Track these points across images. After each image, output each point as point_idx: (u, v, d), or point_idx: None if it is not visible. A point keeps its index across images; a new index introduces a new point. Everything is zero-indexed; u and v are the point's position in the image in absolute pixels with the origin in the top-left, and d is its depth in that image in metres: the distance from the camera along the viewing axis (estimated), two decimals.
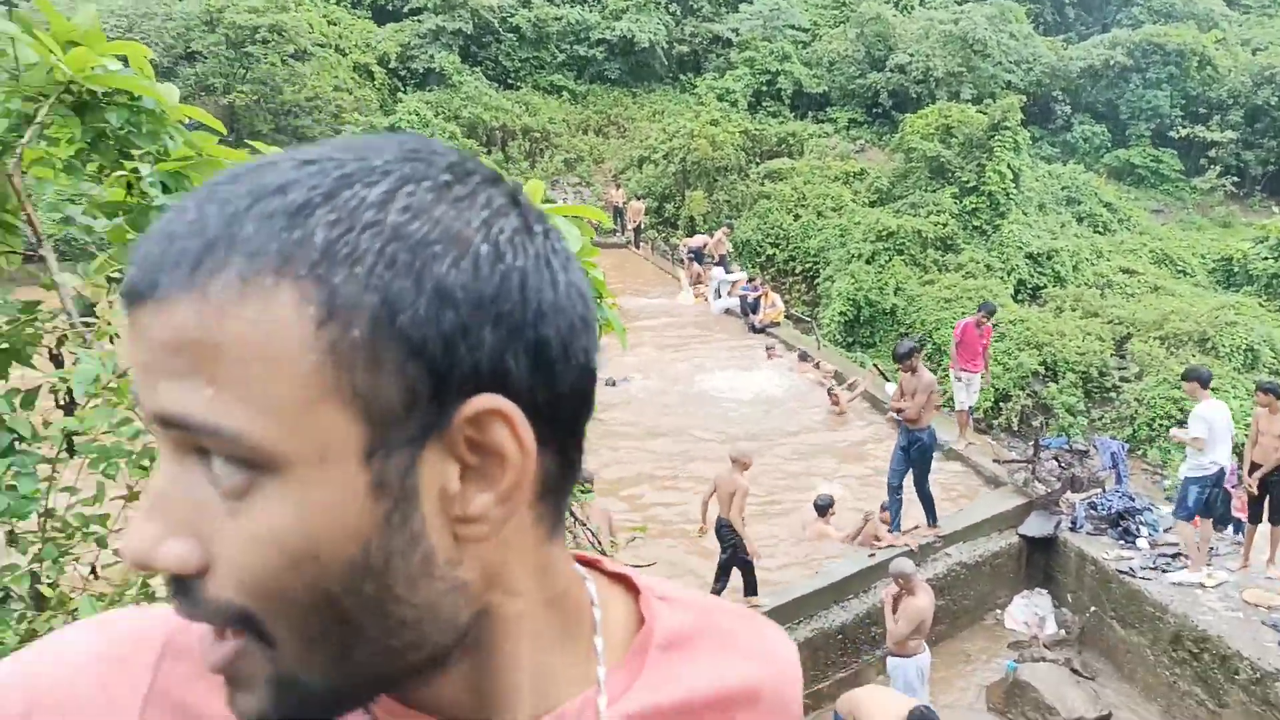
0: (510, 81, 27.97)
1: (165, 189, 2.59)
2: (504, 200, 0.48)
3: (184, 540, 0.43)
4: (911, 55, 25.89)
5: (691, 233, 22.01)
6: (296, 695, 0.46)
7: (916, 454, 7.84)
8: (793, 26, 28.77)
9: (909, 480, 7.99)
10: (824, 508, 8.43)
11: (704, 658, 0.62)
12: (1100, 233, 22.06)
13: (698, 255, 19.42)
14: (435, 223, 0.44)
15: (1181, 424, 9.44)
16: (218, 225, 0.42)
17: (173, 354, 0.42)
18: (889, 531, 8.13)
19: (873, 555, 7.81)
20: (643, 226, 22.83)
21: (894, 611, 6.55)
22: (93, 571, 2.15)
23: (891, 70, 26.22)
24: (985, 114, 20.68)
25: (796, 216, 21.94)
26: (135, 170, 2.37)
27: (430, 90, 25.72)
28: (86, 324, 2.21)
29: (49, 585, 2.08)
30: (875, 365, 14.73)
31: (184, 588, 0.44)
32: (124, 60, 2.65)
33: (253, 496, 0.43)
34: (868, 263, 18.79)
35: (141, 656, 0.55)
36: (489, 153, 25.16)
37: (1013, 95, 21.25)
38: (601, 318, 3.11)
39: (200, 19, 21.96)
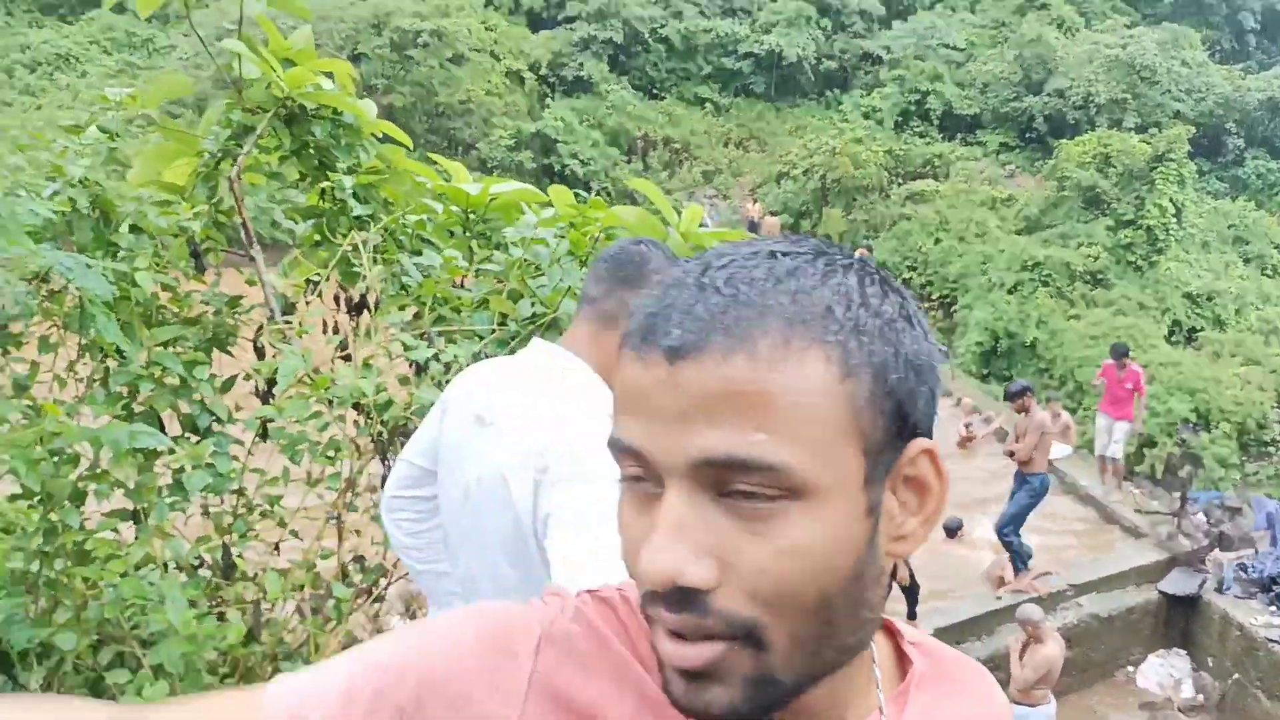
0: (655, 91, 28.32)
1: (356, 198, 2.80)
2: (883, 281, 0.60)
3: (705, 560, 0.52)
4: (1073, 79, 24.87)
5: None
6: (768, 691, 0.55)
7: (1023, 497, 7.60)
8: (947, 45, 28.08)
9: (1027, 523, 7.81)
10: (953, 530, 8.27)
11: (947, 700, 0.70)
12: (1269, 275, 20.64)
13: None
14: (889, 303, 0.57)
15: None
16: (754, 296, 0.54)
17: (721, 402, 0.52)
18: (1015, 574, 7.87)
19: (999, 598, 7.58)
20: None
21: (1020, 658, 6.35)
22: (276, 548, 2.35)
23: (1049, 94, 25.25)
24: (1149, 144, 19.67)
25: (937, 240, 21.40)
26: (336, 181, 2.57)
27: (577, 97, 26.30)
28: (287, 321, 2.42)
29: (239, 558, 2.28)
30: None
31: (692, 602, 0.53)
32: (329, 76, 2.88)
33: (776, 520, 0.53)
34: (1010, 292, 18.16)
35: (523, 645, 0.61)
36: (629, 161, 25.54)
37: (1180, 125, 20.13)
38: None
39: (369, 22, 23.13)
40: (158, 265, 2.35)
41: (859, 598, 0.56)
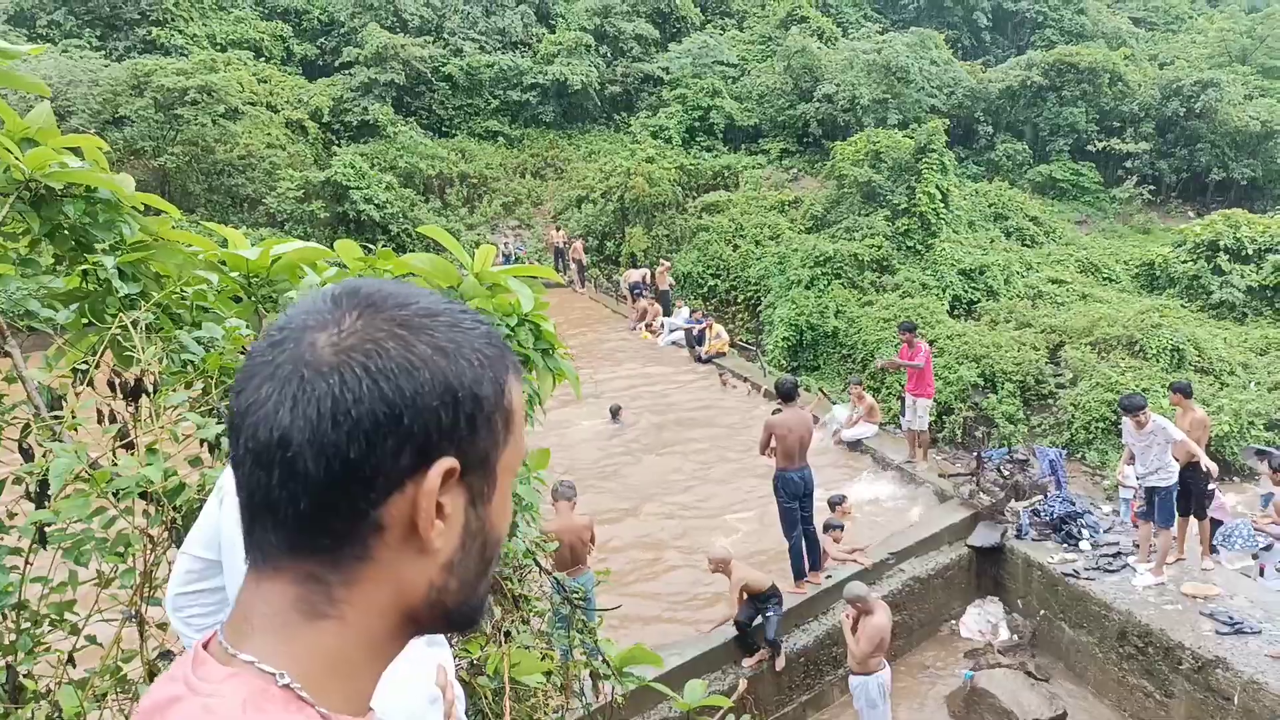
0: (445, 129, 28.17)
1: (122, 276, 2.68)
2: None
3: None
4: (838, 85, 26.65)
5: (633, 265, 22.33)
6: None
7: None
8: (721, 63, 29.48)
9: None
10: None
11: None
12: (1028, 245, 22.82)
13: (639, 290, 19.68)
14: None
15: (1117, 426, 9.74)
16: None
17: None
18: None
19: (828, 576, 7.98)
20: (585, 265, 23.06)
21: (854, 632, 6.72)
22: (70, 660, 2.21)
23: (819, 100, 26.95)
24: (911, 138, 21.37)
25: (735, 247, 22.35)
26: (96, 261, 2.46)
27: (365, 142, 25.77)
28: (55, 416, 2.28)
29: (26, 677, 2.13)
30: (821, 389, 15.03)
31: None
32: (77, 152, 2.75)
33: None
34: (807, 288, 19.20)
35: None
36: (427, 200, 25.25)
37: (936, 119, 21.98)
38: (555, 368, 3.26)
39: (127, 84, 21.80)
40: None
41: None
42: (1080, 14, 35.38)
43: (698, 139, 28.01)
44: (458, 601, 0.73)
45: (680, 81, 28.76)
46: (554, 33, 30.11)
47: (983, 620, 8.78)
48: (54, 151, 2.54)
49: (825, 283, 19.27)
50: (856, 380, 12.93)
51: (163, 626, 2.41)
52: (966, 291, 19.63)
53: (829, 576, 7.98)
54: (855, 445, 11.43)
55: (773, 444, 7.37)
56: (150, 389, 2.30)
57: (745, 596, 7.11)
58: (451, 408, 0.69)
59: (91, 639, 2.28)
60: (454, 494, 0.70)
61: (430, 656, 1.48)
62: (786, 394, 7.51)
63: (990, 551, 8.99)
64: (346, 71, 27.00)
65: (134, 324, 2.39)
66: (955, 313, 19.08)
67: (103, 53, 24.20)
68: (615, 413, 12.97)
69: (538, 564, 3.46)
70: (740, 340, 19.00)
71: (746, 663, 7.15)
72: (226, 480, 1.60)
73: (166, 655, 2.29)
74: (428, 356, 0.68)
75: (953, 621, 8.90)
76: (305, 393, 0.65)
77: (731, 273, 21.99)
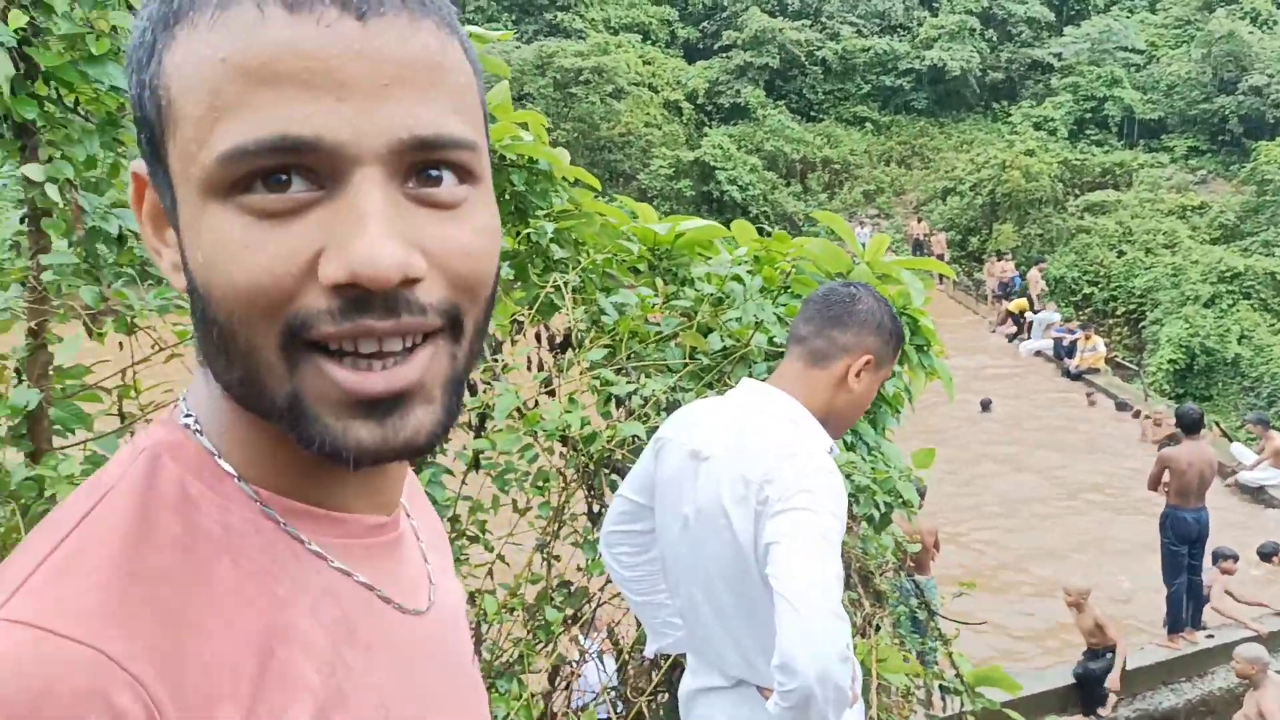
0: (813, 114, 28.16)
1: (554, 242, 2.96)
2: None
3: (416, 252, 0.47)
4: (1271, 76, 23.01)
5: (998, 258, 20.96)
6: (458, 400, 0.52)
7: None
8: (1125, 49, 26.59)
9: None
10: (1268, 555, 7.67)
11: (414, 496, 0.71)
12: None
13: (1006, 291, 18.46)
14: None
15: None
16: None
17: (425, 74, 0.48)
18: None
19: (1211, 635, 7.03)
20: (946, 260, 22.04)
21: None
22: (490, 573, 2.50)
23: (1244, 93, 23.44)
24: None
25: (1120, 253, 20.20)
26: (538, 227, 2.73)
27: (734, 124, 26.50)
28: (495, 359, 2.59)
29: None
30: (1217, 424, 13.19)
31: (405, 300, 0.47)
32: (524, 126, 3.08)
33: (465, 206, 0.50)
34: (1206, 306, 16.91)
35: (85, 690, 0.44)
36: (788, 184, 25.49)
37: None
38: (928, 366, 3.14)
39: (533, 64, 24.16)
40: None
41: None
42: None
43: (1087, 131, 25.58)
44: (220, 375, 0.51)
45: (1073, 68, 26.36)
46: (936, 16, 28.86)
47: None
48: (510, 125, 2.86)
49: (1230, 302, 16.85)
50: (1260, 418, 11.19)
51: (558, 558, 2.66)
52: None
53: (1210, 635, 7.02)
54: (1259, 492, 9.93)
55: (1165, 479, 6.64)
56: (575, 344, 2.53)
57: (1091, 644, 6.49)
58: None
59: (500, 557, 2.57)
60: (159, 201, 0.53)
61: None
62: (1190, 425, 6.74)
63: None
64: (724, 54, 27.86)
65: (565, 284, 2.63)
66: None
67: (516, 34, 27.00)
68: (986, 405, 12.69)
69: (897, 562, 3.38)
70: (1116, 356, 17.19)
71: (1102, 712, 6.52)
72: (663, 432, 1.72)
73: (566, 585, 2.53)
74: None
75: None
76: None
77: (1113, 281, 19.91)
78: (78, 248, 1.87)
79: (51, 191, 1.75)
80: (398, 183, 0.48)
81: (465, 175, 0.50)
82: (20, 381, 1.86)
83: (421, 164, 0.48)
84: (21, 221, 1.87)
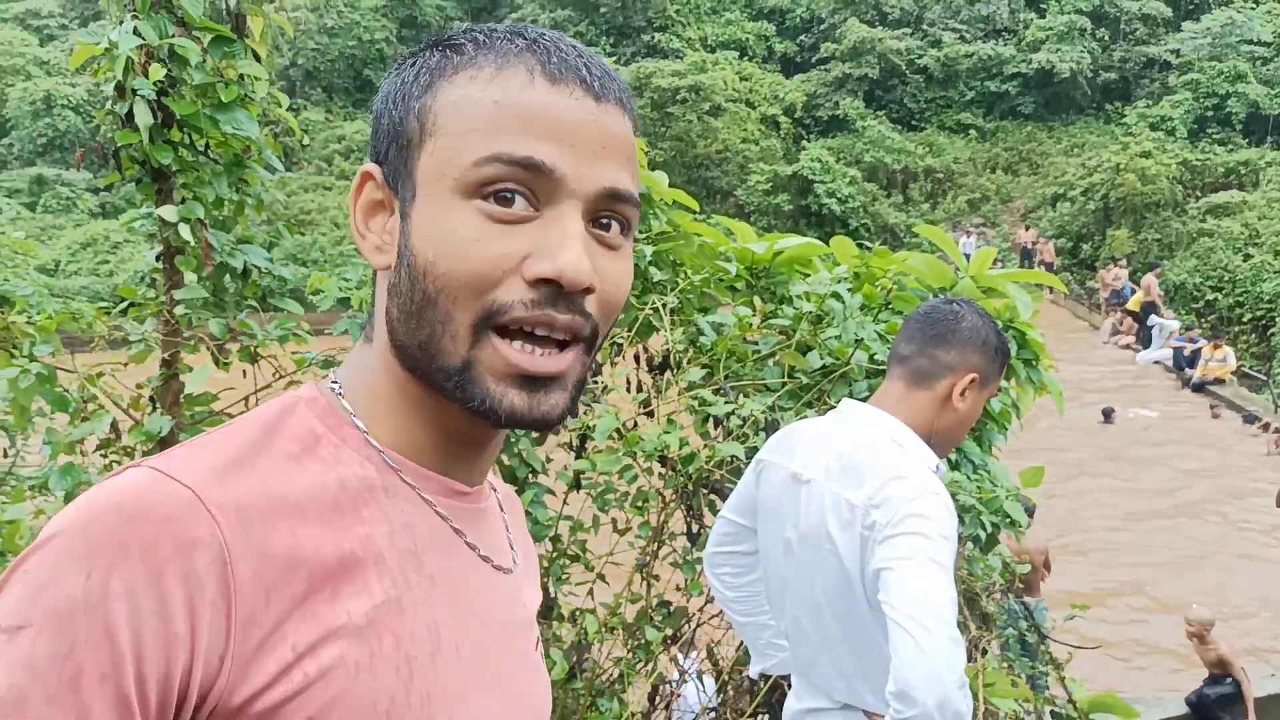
0: (914, 123, 27.62)
1: (653, 264, 2.99)
2: None
3: (595, 273, 0.63)
4: None
5: (1112, 262, 20.08)
6: (578, 396, 0.67)
7: None
8: (1250, 42, 25.22)
9: None
10: None
11: None
12: None
13: (1120, 300, 17.69)
14: None
15: None
16: (608, 68, 0.67)
17: (625, 148, 0.65)
18: None
19: None
20: (1055, 268, 21.26)
21: None
22: (590, 592, 2.54)
23: None
24: None
25: (1247, 257, 19.12)
26: (637, 250, 2.78)
27: (833, 136, 26.20)
28: (595, 380, 2.64)
29: (559, 597, 2.50)
30: None
31: (580, 305, 0.63)
32: None
33: (621, 250, 0.66)
34: None
35: (190, 532, 0.56)
36: (889, 195, 25.05)
37: None
38: (1037, 380, 3.06)
39: (630, 85, 24.42)
40: None
41: None
42: None
43: (1209, 130, 24.32)
44: (404, 337, 0.65)
45: (1193, 65, 25.13)
46: (1044, 18, 27.97)
47: None
48: None
49: None
50: None
51: (656, 577, 2.68)
52: None
53: None
54: None
55: None
56: (674, 365, 2.56)
57: (1213, 673, 6.12)
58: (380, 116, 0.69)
59: (601, 576, 2.60)
60: (392, 208, 0.67)
61: None
62: None
63: None
64: (822, 67, 27.61)
65: (664, 306, 2.67)
66: None
67: (614, 58, 27.39)
68: (1108, 414, 12.35)
69: (1005, 584, 3.28)
70: (1243, 365, 16.25)
71: None
72: (764, 454, 1.73)
73: (665, 604, 2.55)
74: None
75: None
76: None
77: (1239, 286, 18.85)
78: (206, 282, 2.00)
79: (184, 231, 1.88)
80: (588, 220, 0.64)
81: (626, 227, 0.67)
82: (155, 409, 2.00)
83: (604, 211, 0.64)
84: (157, 259, 2.01)
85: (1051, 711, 3.08)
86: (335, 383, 0.69)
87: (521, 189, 0.61)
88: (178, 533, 0.54)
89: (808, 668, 1.66)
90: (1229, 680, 6.08)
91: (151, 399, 2.03)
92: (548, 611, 2.60)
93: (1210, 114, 24.44)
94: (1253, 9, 27.21)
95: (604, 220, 0.64)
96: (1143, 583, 8.32)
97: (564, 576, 2.56)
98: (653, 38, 28.07)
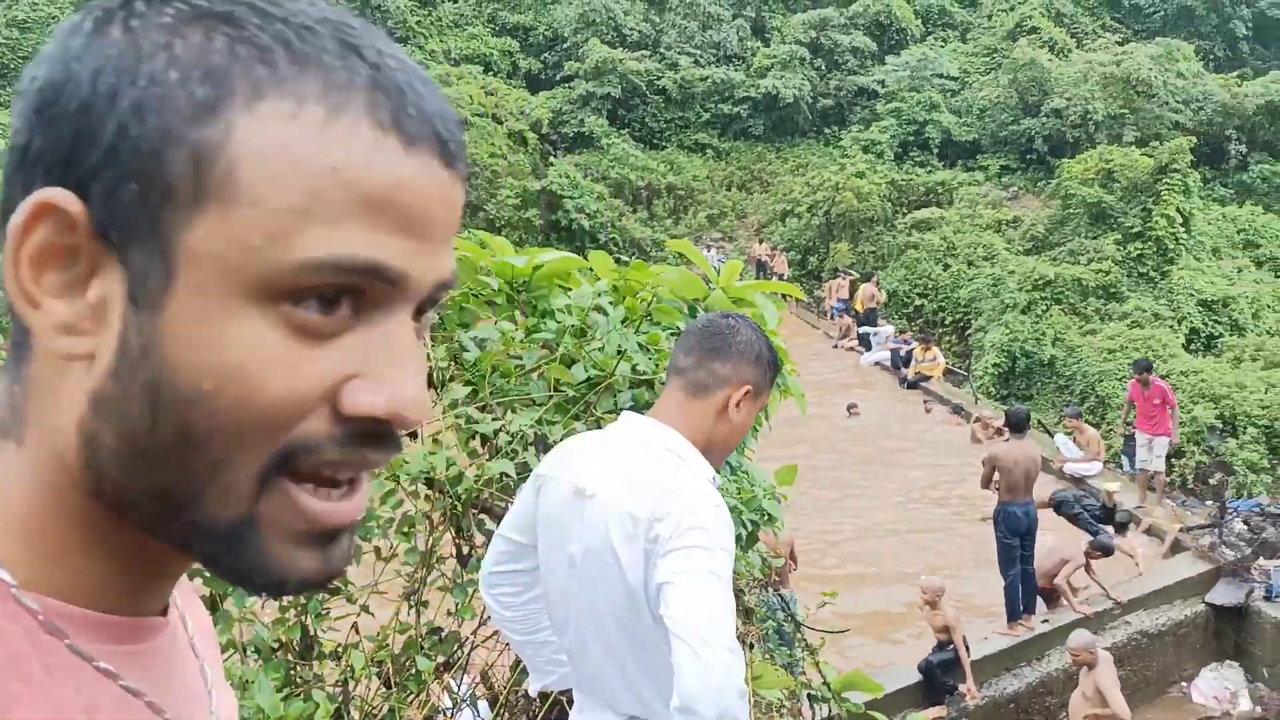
0: (656, 141, 28.75)
1: None
2: None
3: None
4: (1069, 99, 25.13)
5: (835, 275, 21.93)
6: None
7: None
8: (941, 75, 28.46)
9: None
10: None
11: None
12: None
13: (846, 307, 19.33)
14: None
15: None
16: (453, 115, 0.48)
17: (457, 222, 0.48)
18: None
19: (1045, 621, 7.53)
20: (787, 279, 22.88)
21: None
22: (354, 627, 2.40)
23: (1047, 115, 25.51)
24: (1151, 157, 19.82)
25: (946, 266, 21.52)
26: None
27: (580, 153, 26.72)
28: None
29: (318, 635, 2.35)
30: (1039, 421, 14.18)
31: (396, 437, 0.46)
32: None
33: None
34: (1023, 312, 18.19)
35: None
36: (634, 210, 25.88)
37: (1181, 136, 20.29)
38: (781, 384, 3.26)
39: None
40: None
41: None
42: None
43: (911, 154, 27.18)
44: (123, 478, 0.44)
45: (896, 95, 28.00)
46: (769, 46, 30.10)
47: (1219, 686, 8.00)
48: None
49: (1043, 308, 18.18)
50: (1075, 411, 12.14)
51: (425, 603, 2.59)
52: (1207, 325, 17.97)
53: (1045, 620, 7.51)
54: (1078, 482, 10.72)
55: (995, 477, 7.07)
56: (436, 384, 2.48)
57: (940, 639, 6.84)
58: (68, 119, 0.42)
59: (365, 608, 2.47)
60: (104, 273, 0.43)
61: None
62: (1017, 425, 7.21)
63: (1231, 611, 8.18)
64: (567, 84, 28.10)
65: None
66: (1192, 347, 17.49)
67: None
68: (851, 409, 13.82)
69: (764, 579, 3.46)
70: (946, 364, 18.25)
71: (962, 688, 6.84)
72: (544, 469, 1.70)
73: (436, 631, 2.46)
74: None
75: (1183, 684, 8.16)
76: None
77: (941, 293, 21.18)
78: None
79: None
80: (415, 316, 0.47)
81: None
82: None
83: (429, 300, 0.47)
84: None
85: (809, 695, 3.28)
86: None
87: (349, 291, 0.43)
88: None
89: (592, 683, 1.65)
90: (951, 647, 6.78)
91: None
92: (308, 651, 2.44)
93: (912, 139, 27.30)
94: (943, 46, 30.73)
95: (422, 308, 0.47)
96: (871, 558, 9.11)
97: (323, 612, 2.41)
98: None
